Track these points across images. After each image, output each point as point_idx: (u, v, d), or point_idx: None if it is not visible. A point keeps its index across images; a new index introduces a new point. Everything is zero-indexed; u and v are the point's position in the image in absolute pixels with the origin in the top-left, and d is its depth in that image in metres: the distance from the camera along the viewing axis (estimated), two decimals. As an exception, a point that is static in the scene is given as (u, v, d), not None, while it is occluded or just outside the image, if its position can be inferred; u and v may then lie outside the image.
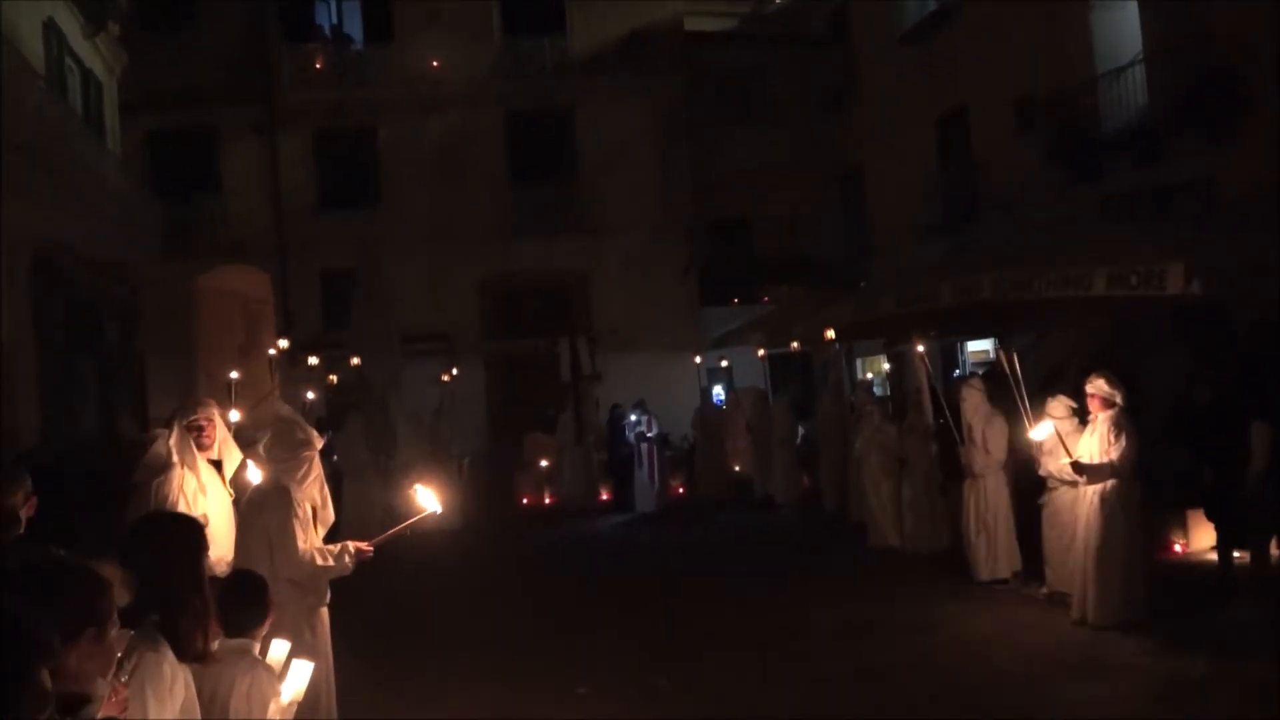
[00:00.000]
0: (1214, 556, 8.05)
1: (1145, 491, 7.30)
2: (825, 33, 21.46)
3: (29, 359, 12.56)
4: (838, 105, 20.90)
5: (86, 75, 16.30)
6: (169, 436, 5.13)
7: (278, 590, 4.28)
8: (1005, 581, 8.56)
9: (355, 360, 13.66)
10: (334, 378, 14.02)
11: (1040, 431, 7.24)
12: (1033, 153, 14.10)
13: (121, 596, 2.33)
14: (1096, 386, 7.14)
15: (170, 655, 2.52)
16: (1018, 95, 14.51)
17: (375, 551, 4.52)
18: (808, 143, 21.16)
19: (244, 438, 5.73)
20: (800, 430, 14.89)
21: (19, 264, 12.32)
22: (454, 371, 15.88)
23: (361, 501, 12.18)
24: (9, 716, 1.31)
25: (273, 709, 2.86)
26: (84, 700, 1.87)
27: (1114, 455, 6.98)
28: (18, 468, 4.82)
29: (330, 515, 4.90)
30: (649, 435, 14.99)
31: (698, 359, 17.30)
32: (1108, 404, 7.09)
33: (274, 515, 4.44)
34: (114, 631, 2.14)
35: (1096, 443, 7.09)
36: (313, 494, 4.73)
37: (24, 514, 4.43)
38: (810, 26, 22.07)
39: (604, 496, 15.29)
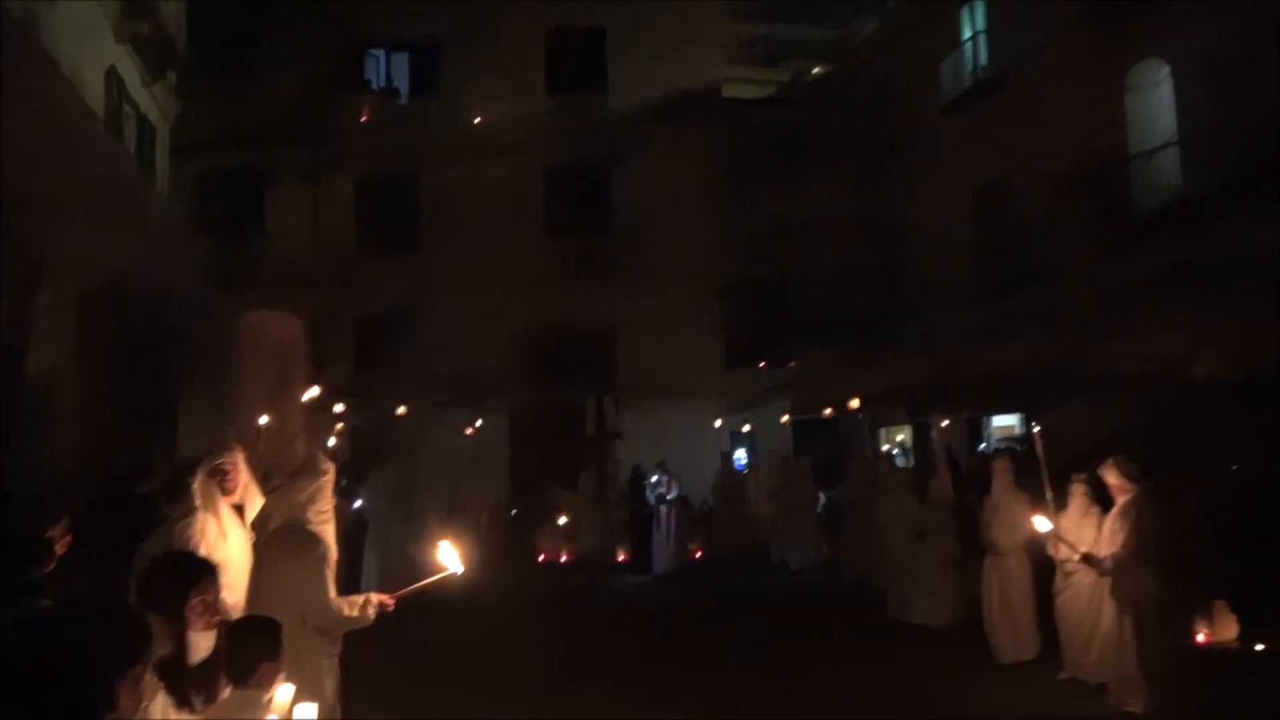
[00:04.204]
0: (1238, 646, 7.87)
1: (1167, 578, 7.09)
2: (868, 98, 21.67)
3: (72, 389, 12.81)
4: (880, 169, 20.98)
5: (142, 120, 16.83)
6: (194, 480, 5.19)
7: (304, 636, 4.31)
8: (1026, 664, 8.42)
9: (400, 410, 13.74)
10: (360, 425, 14.14)
11: (1041, 524, 7.07)
12: (1071, 226, 14.13)
13: (162, 646, 2.40)
14: (1110, 474, 6.98)
15: (160, 699, 2.56)
16: (1055, 170, 14.60)
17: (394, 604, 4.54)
18: (848, 204, 21.05)
19: (268, 483, 5.78)
20: (822, 496, 14.77)
21: (67, 297, 12.63)
22: (478, 424, 15.97)
23: (384, 549, 12.24)
24: None
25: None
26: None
27: (1116, 545, 6.83)
28: (57, 503, 4.90)
29: (334, 554, 4.83)
30: (669, 497, 14.96)
31: (717, 423, 17.20)
32: (1123, 490, 6.94)
33: (307, 563, 4.45)
34: (148, 676, 2.24)
35: (1108, 531, 6.96)
36: (328, 535, 4.76)
37: (59, 549, 4.52)
38: (852, 93, 22.30)
39: (621, 556, 15.22)
